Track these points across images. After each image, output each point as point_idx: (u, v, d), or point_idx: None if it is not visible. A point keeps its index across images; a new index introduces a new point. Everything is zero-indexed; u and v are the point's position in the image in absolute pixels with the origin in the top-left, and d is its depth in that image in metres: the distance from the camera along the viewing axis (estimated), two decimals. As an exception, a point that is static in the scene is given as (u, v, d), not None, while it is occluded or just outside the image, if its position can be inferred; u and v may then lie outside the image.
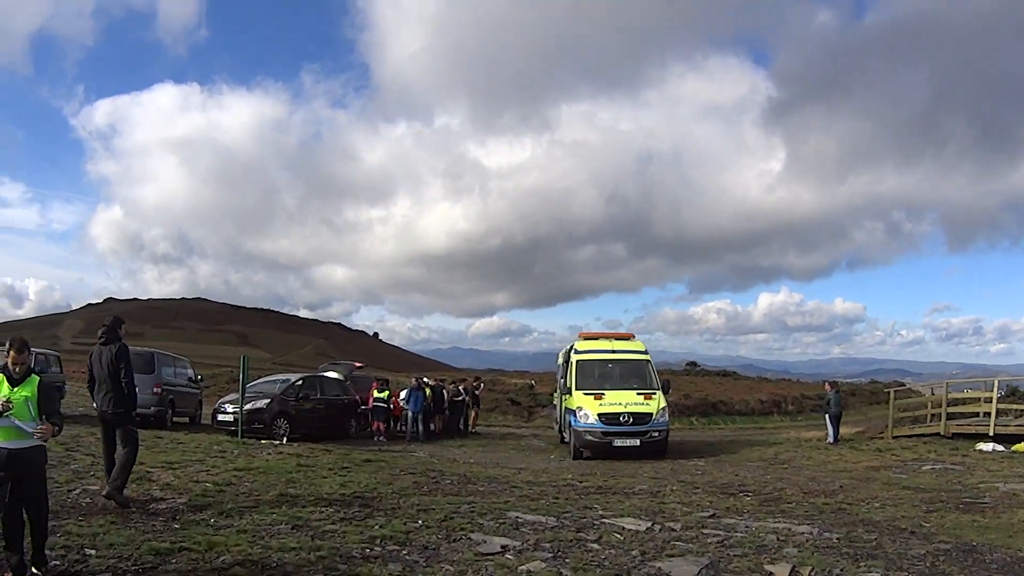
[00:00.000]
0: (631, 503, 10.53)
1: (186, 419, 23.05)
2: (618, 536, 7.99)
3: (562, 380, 20.47)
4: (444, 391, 25.42)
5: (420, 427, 22.90)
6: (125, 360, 9.06)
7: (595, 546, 7.53)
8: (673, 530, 8.40)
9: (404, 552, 7.05)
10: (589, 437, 17.97)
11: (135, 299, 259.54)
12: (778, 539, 8.08)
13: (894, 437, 22.15)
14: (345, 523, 8.16)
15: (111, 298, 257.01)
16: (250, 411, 19.17)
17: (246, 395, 19.84)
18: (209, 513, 8.43)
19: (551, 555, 7.11)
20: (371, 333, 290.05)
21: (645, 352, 20.66)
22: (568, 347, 22.51)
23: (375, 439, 22.16)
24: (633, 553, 7.28)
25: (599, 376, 19.79)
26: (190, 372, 24.44)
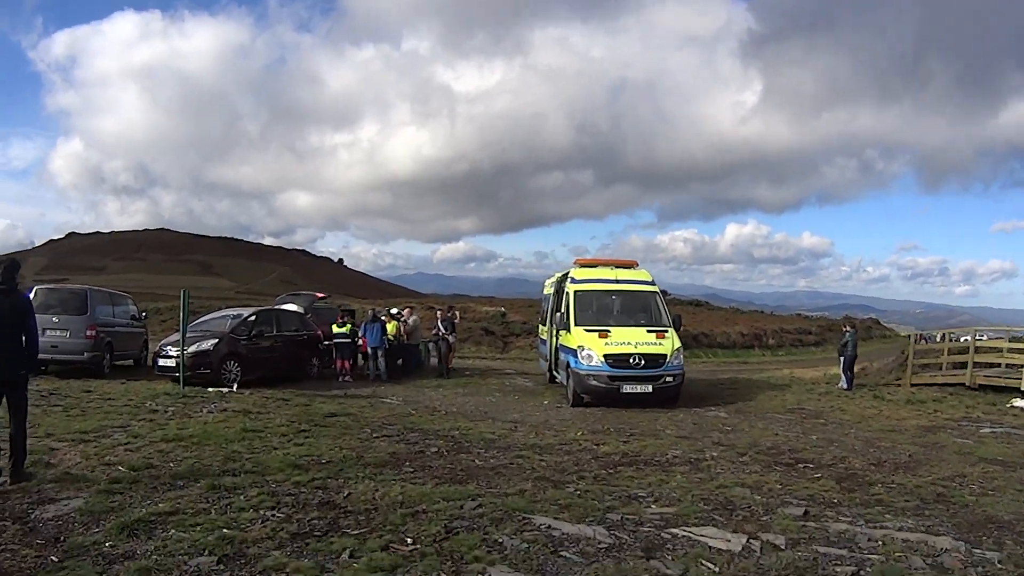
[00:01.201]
0: (679, 485, 8.06)
1: (130, 361, 20.30)
2: (710, 568, 5.42)
3: (558, 313, 17.60)
4: (404, 324, 22.71)
5: (382, 363, 20.22)
6: (31, 312, 7.61)
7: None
8: (779, 549, 5.83)
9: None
10: (593, 382, 15.32)
11: (97, 232, 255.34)
12: (926, 564, 5.68)
13: (913, 385, 20.15)
14: (296, 547, 5.49)
15: (73, 232, 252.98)
16: (195, 354, 16.39)
17: (191, 335, 17.16)
18: (109, 527, 5.79)
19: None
20: (336, 260, 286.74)
21: (652, 283, 17.93)
22: (560, 275, 19.84)
23: (339, 379, 19.62)
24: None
25: (600, 310, 17.13)
26: (132, 309, 21.31)
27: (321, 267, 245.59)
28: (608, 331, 15.86)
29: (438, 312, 23.68)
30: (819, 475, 9.07)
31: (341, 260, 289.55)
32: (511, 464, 9.06)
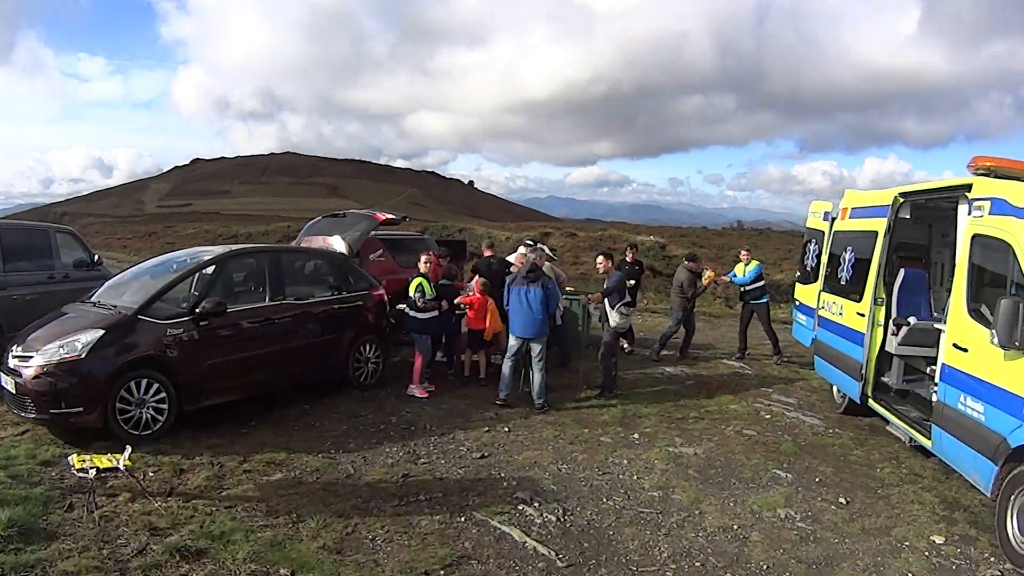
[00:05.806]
0: None
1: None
2: None
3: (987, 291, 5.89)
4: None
5: (539, 379, 9.03)
6: None
7: None
8: None
9: None
10: None
11: (222, 157, 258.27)
12: None
13: None
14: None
15: (198, 159, 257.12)
16: (45, 369, 6.67)
17: (58, 318, 7.52)
18: None
19: None
20: (466, 182, 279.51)
21: None
22: (901, 191, 8.09)
23: (411, 388, 9.56)
24: None
25: None
26: (76, 254, 11.41)
27: (451, 189, 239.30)
28: None
29: (600, 259, 10.17)
30: None
31: (471, 182, 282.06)
32: None
